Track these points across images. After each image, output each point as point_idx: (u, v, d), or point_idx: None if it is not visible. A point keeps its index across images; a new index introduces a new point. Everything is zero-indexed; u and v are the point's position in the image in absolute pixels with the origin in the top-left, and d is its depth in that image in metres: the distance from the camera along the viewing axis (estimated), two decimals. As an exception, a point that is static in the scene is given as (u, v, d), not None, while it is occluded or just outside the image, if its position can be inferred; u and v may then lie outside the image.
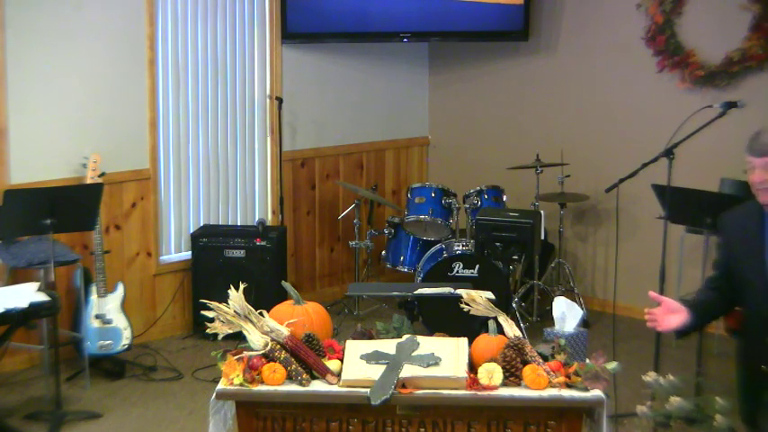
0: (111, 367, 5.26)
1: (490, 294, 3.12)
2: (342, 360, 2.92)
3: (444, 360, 2.84)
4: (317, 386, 2.85)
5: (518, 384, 2.83)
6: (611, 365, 2.86)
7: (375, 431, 2.85)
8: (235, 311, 2.94)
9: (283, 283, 3.42)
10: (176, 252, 6.04)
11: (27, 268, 4.95)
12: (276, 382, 2.84)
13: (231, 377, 2.85)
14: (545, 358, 2.92)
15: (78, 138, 5.39)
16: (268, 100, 6.38)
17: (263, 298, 4.58)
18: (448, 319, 3.58)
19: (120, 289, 5.30)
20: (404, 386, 2.80)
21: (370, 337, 3.12)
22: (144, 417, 4.73)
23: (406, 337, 2.99)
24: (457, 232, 6.09)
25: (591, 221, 6.58)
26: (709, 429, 2.67)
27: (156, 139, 5.77)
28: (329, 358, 2.95)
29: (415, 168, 7.40)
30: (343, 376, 2.85)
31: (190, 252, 5.95)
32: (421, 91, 7.36)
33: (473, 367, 2.90)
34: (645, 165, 4.52)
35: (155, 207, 5.82)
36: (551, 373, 2.84)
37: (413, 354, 2.88)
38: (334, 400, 2.83)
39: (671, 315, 2.97)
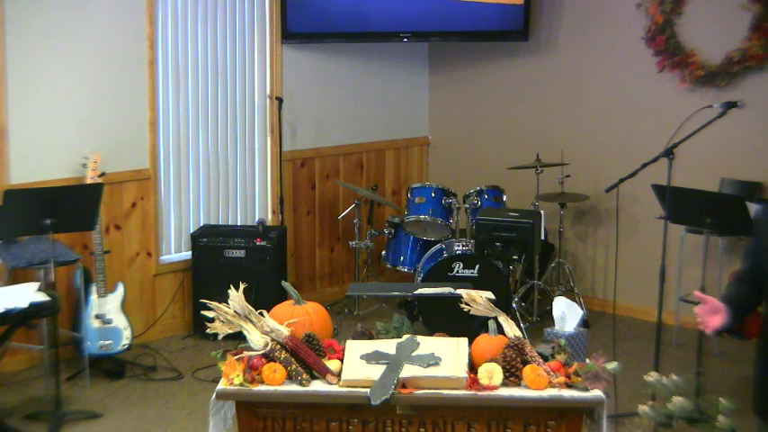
0: (111, 367, 5.25)
1: (490, 294, 3.12)
2: (342, 360, 2.91)
3: (444, 360, 2.84)
4: (317, 386, 2.85)
5: (518, 384, 2.83)
6: (611, 365, 2.86)
7: (375, 431, 2.84)
8: (235, 311, 2.94)
9: (283, 283, 3.42)
10: (176, 252, 6.04)
11: (27, 268, 4.94)
12: (276, 382, 2.84)
13: (231, 377, 2.85)
14: (545, 358, 2.92)
15: (78, 138, 5.39)
16: (268, 100, 6.38)
17: (263, 298, 4.59)
18: (448, 319, 3.58)
19: (120, 289, 5.30)
20: (404, 386, 2.80)
21: (370, 337, 3.11)
22: (144, 417, 4.73)
23: (406, 337, 2.99)
24: (457, 232, 6.09)
25: (591, 221, 6.58)
26: (711, 429, 2.67)
27: (156, 139, 5.77)
28: (329, 358, 2.94)
29: (415, 168, 7.40)
30: (343, 376, 2.84)
31: (190, 252, 5.94)
32: (421, 91, 7.36)
33: (473, 367, 2.89)
34: (645, 165, 4.52)
35: (155, 207, 5.82)
36: (551, 373, 2.83)
37: (413, 354, 2.88)
38: (334, 400, 2.82)
39: (714, 315, 2.92)
